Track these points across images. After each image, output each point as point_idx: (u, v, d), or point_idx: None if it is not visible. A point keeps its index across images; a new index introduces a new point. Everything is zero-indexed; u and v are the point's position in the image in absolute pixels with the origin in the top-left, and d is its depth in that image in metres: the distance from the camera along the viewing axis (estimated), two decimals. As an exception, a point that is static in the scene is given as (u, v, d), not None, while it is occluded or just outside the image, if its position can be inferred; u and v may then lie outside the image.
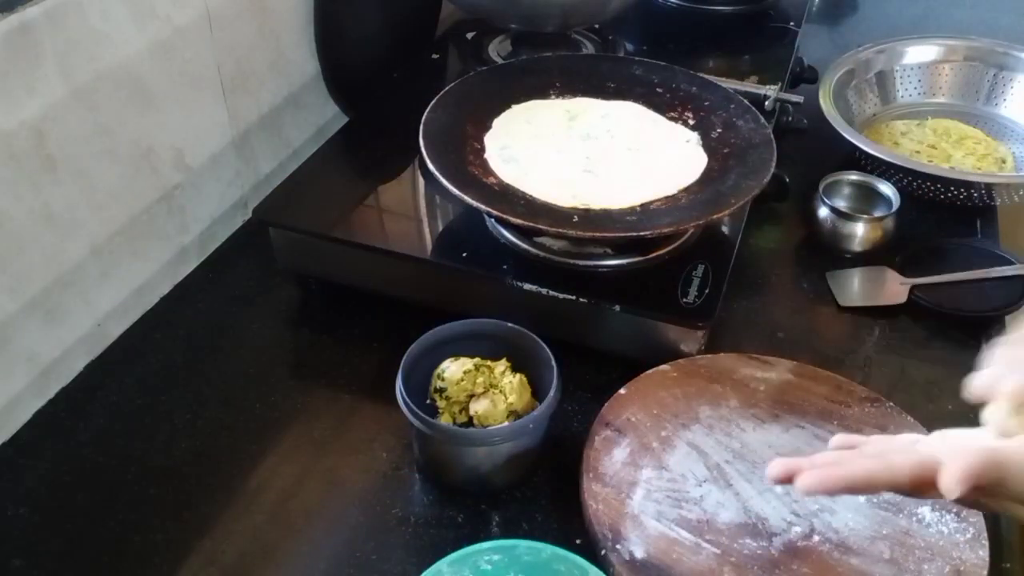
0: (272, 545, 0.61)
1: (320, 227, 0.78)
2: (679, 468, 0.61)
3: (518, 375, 0.66)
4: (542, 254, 0.74)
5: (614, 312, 0.70)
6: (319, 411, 0.71)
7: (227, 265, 0.85)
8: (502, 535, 0.62)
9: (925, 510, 0.59)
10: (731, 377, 0.68)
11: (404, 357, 0.64)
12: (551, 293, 0.71)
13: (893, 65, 1.07)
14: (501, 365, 0.66)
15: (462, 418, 0.66)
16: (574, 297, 0.70)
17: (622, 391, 0.67)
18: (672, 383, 0.67)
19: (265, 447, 0.68)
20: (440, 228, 0.81)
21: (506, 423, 0.63)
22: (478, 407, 0.64)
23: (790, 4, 1.17)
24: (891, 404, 0.66)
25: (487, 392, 0.65)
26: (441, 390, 0.65)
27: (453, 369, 0.65)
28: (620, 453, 0.62)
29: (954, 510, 0.58)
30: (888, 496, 0.59)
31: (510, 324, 0.67)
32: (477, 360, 0.66)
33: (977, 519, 0.58)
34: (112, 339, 0.77)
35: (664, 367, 0.69)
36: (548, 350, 0.65)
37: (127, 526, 0.62)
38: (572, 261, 0.74)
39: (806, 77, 1.04)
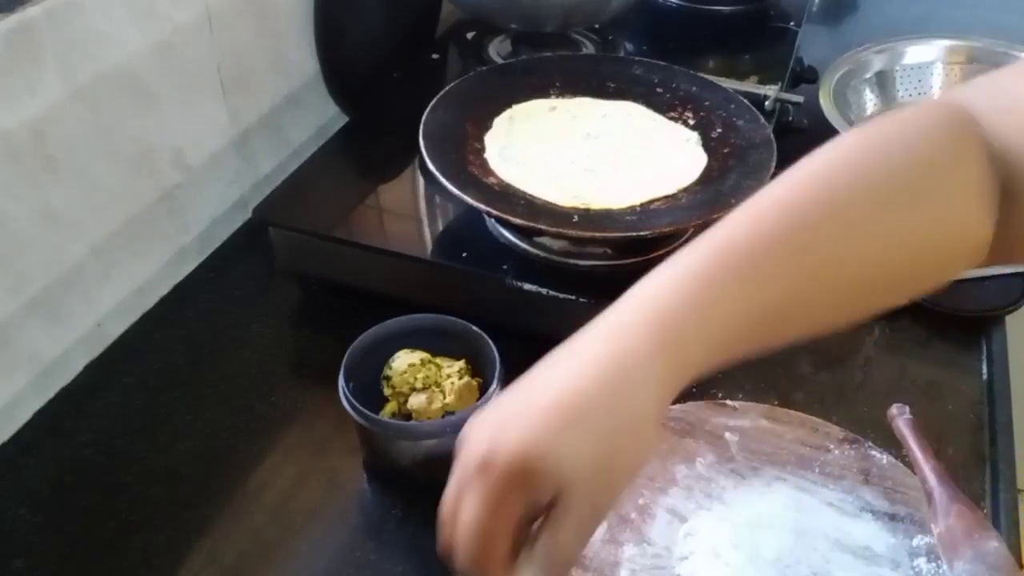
0: (272, 545, 0.61)
1: (320, 227, 0.78)
2: (662, 540, 0.58)
3: (467, 379, 0.65)
4: (542, 254, 0.74)
5: (614, 312, 0.70)
6: (319, 411, 0.71)
7: (227, 265, 0.85)
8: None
9: (921, 562, 0.57)
10: (702, 429, 0.65)
11: (351, 346, 0.64)
12: (551, 293, 0.71)
13: (893, 65, 1.07)
14: (456, 365, 0.65)
15: (406, 410, 0.65)
16: (574, 297, 0.70)
17: None
18: None
19: (265, 447, 0.68)
20: (440, 228, 0.81)
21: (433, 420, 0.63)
22: (414, 402, 0.64)
23: (790, 4, 1.17)
24: (869, 443, 0.64)
25: (427, 389, 0.64)
26: (388, 377, 0.65)
27: (402, 359, 0.65)
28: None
29: None
30: (884, 569, 0.57)
31: (462, 321, 0.66)
32: (427, 356, 0.65)
33: None
34: (112, 339, 0.77)
35: None
36: (496, 352, 0.63)
37: (127, 526, 0.62)
38: (572, 261, 0.74)
39: (806, 77, 1.04)
